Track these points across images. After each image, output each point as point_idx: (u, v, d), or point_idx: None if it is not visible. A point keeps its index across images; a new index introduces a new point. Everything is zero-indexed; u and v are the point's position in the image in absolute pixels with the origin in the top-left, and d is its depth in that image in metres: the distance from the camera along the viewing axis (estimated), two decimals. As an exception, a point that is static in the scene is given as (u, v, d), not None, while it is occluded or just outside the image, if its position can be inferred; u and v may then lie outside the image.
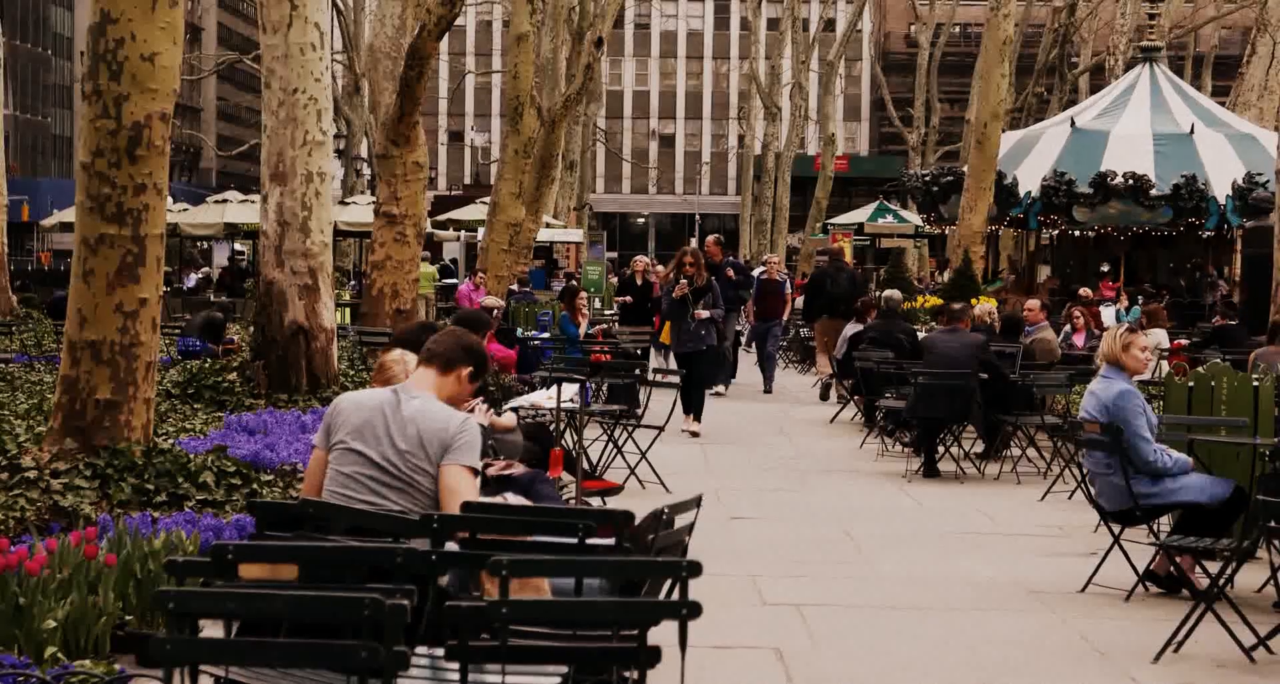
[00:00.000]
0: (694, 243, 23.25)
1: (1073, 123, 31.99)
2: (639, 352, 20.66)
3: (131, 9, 10.49)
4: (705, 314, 17.81)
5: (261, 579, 5.51)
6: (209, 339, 21.35)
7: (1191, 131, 30.88)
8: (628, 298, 23.90)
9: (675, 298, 17.94)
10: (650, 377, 16.64)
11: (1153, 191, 29.74)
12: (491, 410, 10.31)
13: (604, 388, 18.28)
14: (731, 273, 22.21)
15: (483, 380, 7.19)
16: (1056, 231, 33.08)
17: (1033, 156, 31.39)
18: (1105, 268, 31.81)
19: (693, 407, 17.94)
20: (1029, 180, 30.51)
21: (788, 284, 25.50)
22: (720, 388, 22.66)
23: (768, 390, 23.69)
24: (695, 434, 17.70)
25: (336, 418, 6.70)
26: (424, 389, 6.68)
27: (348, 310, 28.83)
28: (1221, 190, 29.64)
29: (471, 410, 9.71)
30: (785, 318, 25.85)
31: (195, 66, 75.01)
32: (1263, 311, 19.68)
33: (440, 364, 6.76)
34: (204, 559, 5.49)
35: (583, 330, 21.24)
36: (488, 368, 6.99)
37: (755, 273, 25.75)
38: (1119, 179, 29.60)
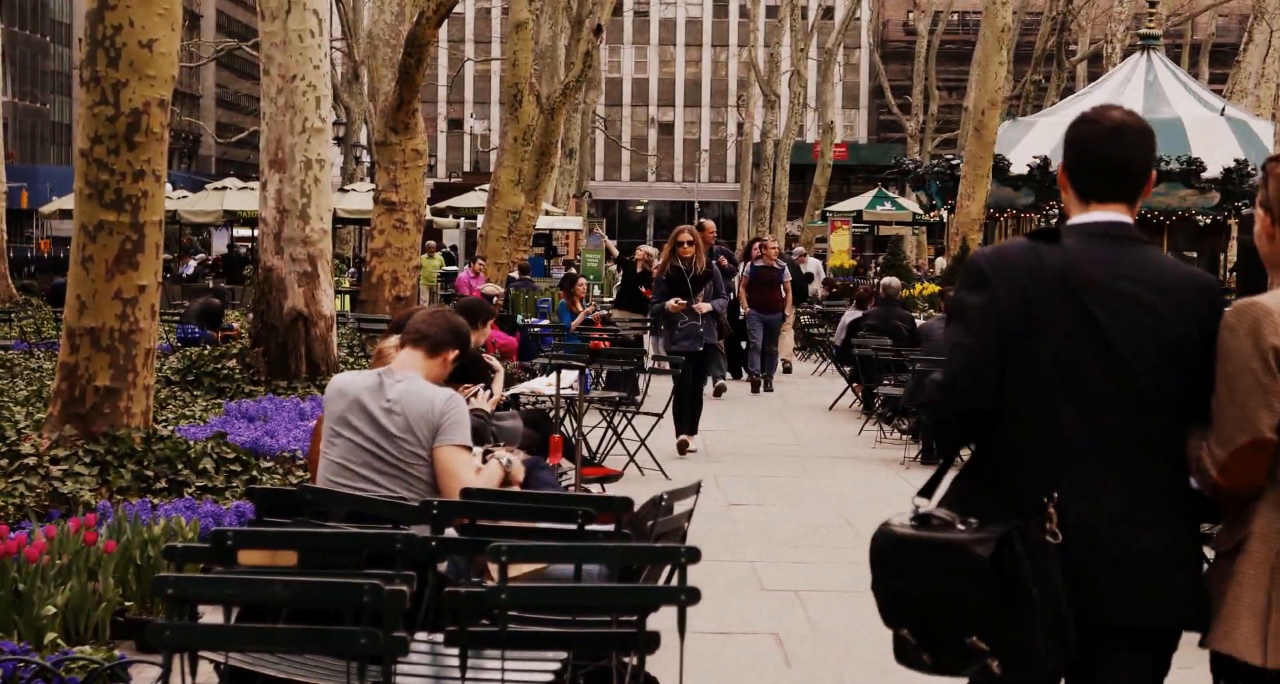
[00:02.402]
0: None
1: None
2: (633, 337, 20.51)
3: (130, -5, 10.49)
4: (706, 307, 15.38)
5: (261, 565, 5.52)
6: (207, 326, 21.39)
7: (1222, 113, 30.99)
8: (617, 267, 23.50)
9: (670, 312, 15.36)
10: (649, 364, 16.59)
11: (1204, 175, 29.68)
12: (493, 397, 10.31)
13: (603, 375, 18.26)
14: (725, 261, 21.17)
15: (464, 359, 7.16)
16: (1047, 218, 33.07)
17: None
18: None
19: (685, 418, 15.53)
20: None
21: (787, 271, 22.45)
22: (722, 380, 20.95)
23: (760, 390, 21.62)
24: (689, 449, 15.43)
25: (328, 403, 6.69)
26: (409, 371, 6.65)
27: (347, 297, 28.86)
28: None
29: (474, 396, 9.71)
30: (788, 311, 22.84)
31: (194, 53, 74.98)
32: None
33: (428, 347, 6.71)
34: (203, 545, 5.50)
35: (578, 320, 21.20)
36: (469, 350, 6.98)
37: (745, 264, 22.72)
38: (1173, 163, 29.45)
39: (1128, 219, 4.14)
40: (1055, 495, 3.91)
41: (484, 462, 6.96)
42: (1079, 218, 4.16)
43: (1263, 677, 3.92)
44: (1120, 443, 3.98)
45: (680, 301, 15.28)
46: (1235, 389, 3.92)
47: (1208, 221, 30.85)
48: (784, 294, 22.05)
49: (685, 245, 15.49)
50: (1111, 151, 4.13)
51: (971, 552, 3.86)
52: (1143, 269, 4.05)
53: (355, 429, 6.52)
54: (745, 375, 22.20)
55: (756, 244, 22.70)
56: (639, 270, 25.04)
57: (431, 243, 40.02)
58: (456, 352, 6.78)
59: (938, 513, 4.00)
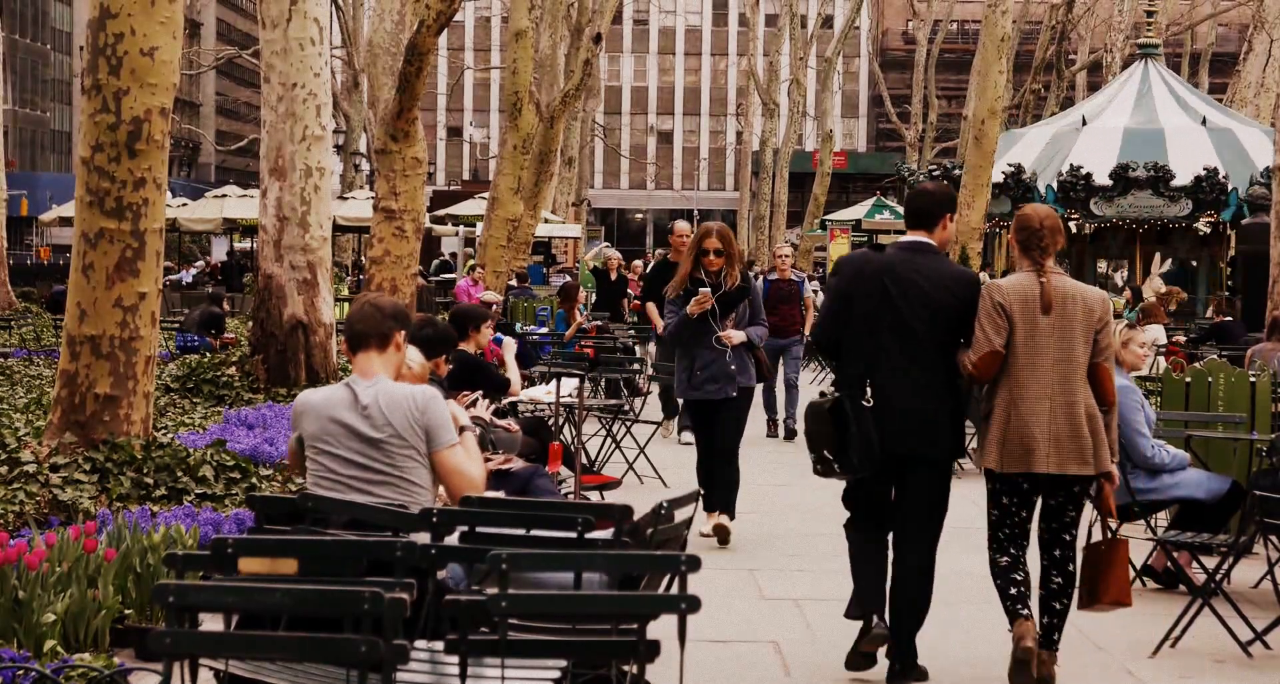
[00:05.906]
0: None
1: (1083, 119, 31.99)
2: (615, 343, 20.48)
3: (131, 4, 10.50)
4: (739, 337, 11.18)
5: (261, 573, 5.51)
6: (208, 333, 21.41)
7: (1204, 123, 31.01)
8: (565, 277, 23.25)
9: (691, 315, 11.18)
10: (648, 371, 16.51)
11: (1173, 182, 29.70)
12: (492, 405, 10.31)
13: (602, 383, 18.22)
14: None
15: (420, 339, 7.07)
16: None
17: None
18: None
19: (718, 491, 11.35)
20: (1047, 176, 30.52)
21: (805, 285, 18.52)
22: (688, 435, 15.27)
23: (789, 435, 17.63)
24: (720, 535, 11.23)
25: (302, 422, 6.54)
26: (373, 375, 6.52)
27: (346, 305, 28.85)
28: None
29: (472, 404, 9.72)
30: (807, 332, 17.95)
31: (194, 62, 75.01)
32: (1260, 307, 19.71)
33: (378, 343, 6.56)
34: (203, 553, 5.49)
35: (571, 330, 21.18)
36: (410, 323, 6.90)
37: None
38: (1139, 170, 29.42)
39: (927, 239, 7.66)
40: (869, 381, 7.49)
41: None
42: (902, 239, 7.75)
43: (997, 477, 7.49)
44: (904, 357, 7.51)
45: (706, 294, 11.16)
46: (982, 323, 7.36)
47: (1208, 232, 30.85)
48: (804, 310, 18.05)
49: (712, 255, 11.18)
50: (916, 203, 7.80)
51: (820, 407, 7.57)
52: (923, 267, 7.57)
53: (338, 444, 6.39)
54: (767, 417, 17.85)
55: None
56: (612, 279, 25.14)
57: (467, 250, 40.31)
58: (402, 331, 6.67)
59: (828, 390, 7.76)
